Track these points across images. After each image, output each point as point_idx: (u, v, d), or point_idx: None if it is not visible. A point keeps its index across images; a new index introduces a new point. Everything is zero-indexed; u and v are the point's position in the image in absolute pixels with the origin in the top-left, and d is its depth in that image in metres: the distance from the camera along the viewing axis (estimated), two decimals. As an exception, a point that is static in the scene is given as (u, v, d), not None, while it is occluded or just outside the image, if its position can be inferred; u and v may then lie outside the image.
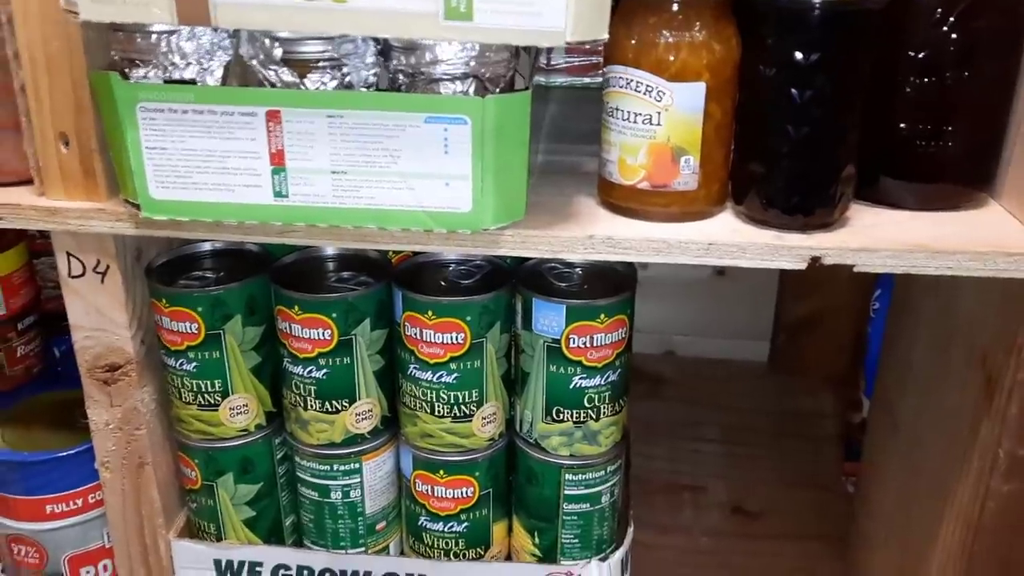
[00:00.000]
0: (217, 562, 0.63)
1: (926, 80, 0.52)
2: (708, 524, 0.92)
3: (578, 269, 0.61)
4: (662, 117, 0.50)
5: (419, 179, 0.50)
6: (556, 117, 0.76)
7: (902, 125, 0.53)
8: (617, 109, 0.51)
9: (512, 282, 0.58)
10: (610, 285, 0.58)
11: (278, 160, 0.50)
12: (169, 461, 0.63)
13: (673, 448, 1.05)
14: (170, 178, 0.50)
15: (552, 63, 0.84)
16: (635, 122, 0.51)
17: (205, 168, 0.50)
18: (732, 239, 0.51)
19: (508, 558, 0.65)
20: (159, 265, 0.59)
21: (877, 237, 0.51)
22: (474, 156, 0.49)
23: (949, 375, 0.61)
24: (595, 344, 0.56)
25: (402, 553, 0.65)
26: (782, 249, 0.51)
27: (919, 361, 0.68)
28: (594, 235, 0.51)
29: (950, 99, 0.52)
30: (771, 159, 0.51)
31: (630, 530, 0.65)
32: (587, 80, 0.86)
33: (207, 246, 0.62)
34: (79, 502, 0.65)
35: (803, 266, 0.51)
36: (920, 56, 0.52)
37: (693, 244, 0.51)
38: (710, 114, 0.51)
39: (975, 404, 0.57)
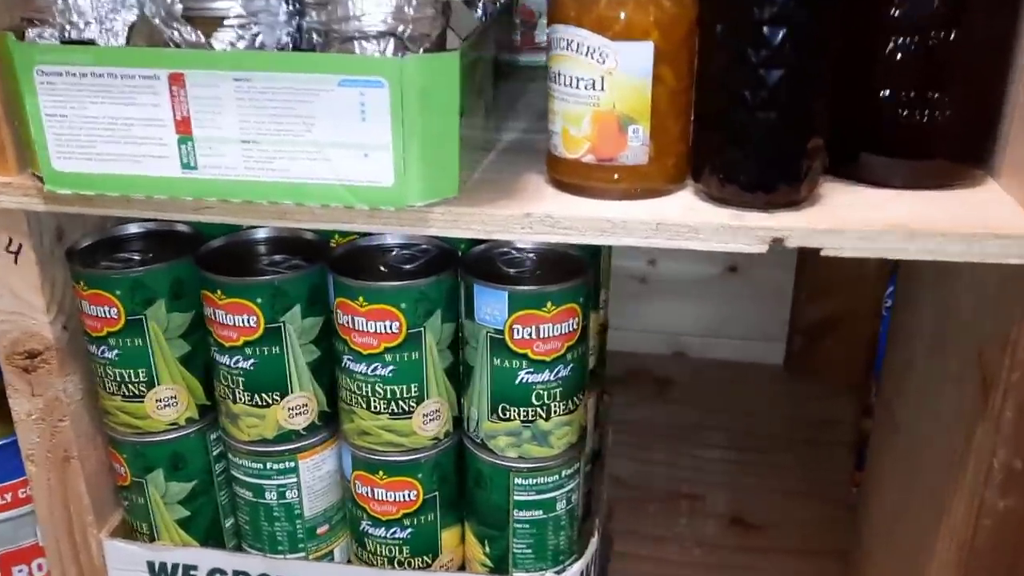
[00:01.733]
0: (150, 564, 0.59)
1: (909, 40, 0.46)
2: (704, 535, 0.86)
3: (531, 255, 0.56)
4: (606, 81, 0.45)
5: (335, 149, 0.45)
6: (534, 96, 0.71)
7: (883, 93, 0.47)
8: (559, 74, 0.47)
9: (457, 268, 0.53)
10: (562, 272, 0.53)
11: (184, 128, 0.46)
12: (100, 455, 0.59)
13: (674, 454, 0.99)
14: (72, 148, 0.47)
15: (536, 41, 0.79)
16: (577, 87, 0.46)
17: (109, 137, 0.47)
18: (684, 219, 0.46)
19: (462, 568, 0.60)
20: (83, 247, 0.56)
21: (849, 217, 0.45)
22: (394, 124, 0.44)
23: (947, 375, 0.55)
24: (542, 335, 0.51)
25: (349, 560, 0.61)
26: (740, 230, 0.45)
27: (919, 360, 0.61)
28: (531, 213, 0.47)
29: (937, 62, 0.46)
30: (728, 129, 0.45)
31: (594, 540, 0.60)
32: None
33: (136, 228, 0.58)
34: (8, 496, 0.62)
35: (763, 248, 0.45)
36: (901, 12, 0.46)
37: (640, 224, 0.46)
38: (661, 78, 0.46)
39: (971, 407, 0.50)
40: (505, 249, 0.56)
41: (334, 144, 0.45)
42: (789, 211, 0.46)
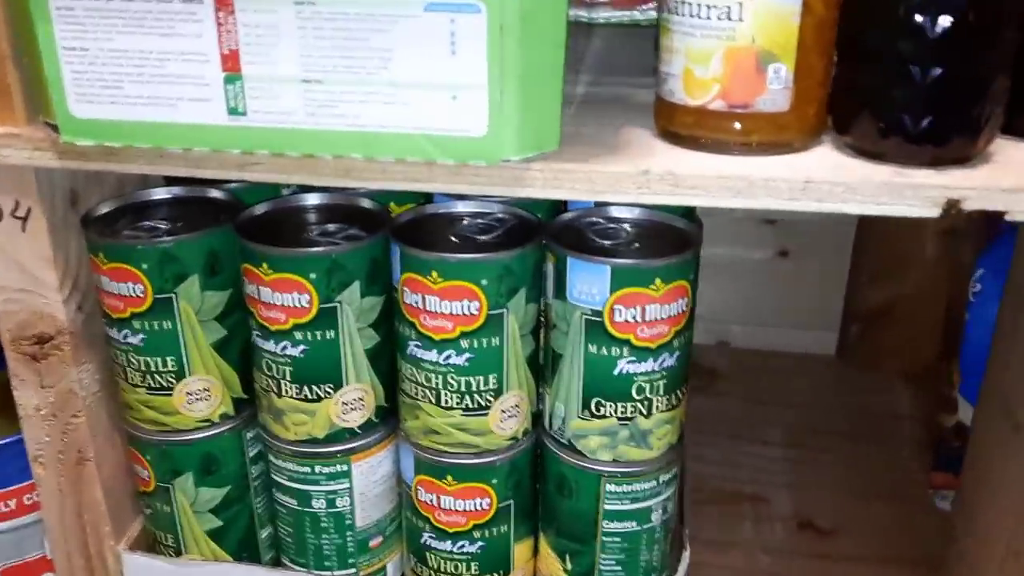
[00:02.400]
0: (176, 581, 0.51)
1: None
2: (772, 541, 0.79)
3: (626, 225, 0.48)
4: (745, 9, 0.37)
5: (417, 90, 0.37)
6: (600, 52, 0.63)
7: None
8: (683, 2, 0.39)
9: (542, 239, 0.45)
10: (668, 245, 0.45)
11: (232, 64, 0.38)
12: (118, 457, 0.51)
13: (729, 452, 0.92)
14: (94, 89, 0.39)
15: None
16: (708, 17, 0.38)
17: (139, 76, 0.38)
18: (837, 176, 0.38)
19: (534, 585, 0.53)
20: (102, 214, 0.47)
21: (1039, 175, 0.37)
22: (491, 58, 0.36)
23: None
24: (647, 318, 0.44)
25: None
26: (906, 189, 0.37)
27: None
28: (650, 170, 0.39)
29: None
30: (891, 69, 0.38)
31: (686, 554, 0.52)
32: (636, 15, 0.72)
33: (163, 192, 0.50)
34: (11, 503, 0.54)
35: (935, 212, 0.38)
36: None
37: (784, 183, 0.38)
38: (809, 7, 0.38)
39: None
40: (595, 218, 0.48)
41: (416, 84, 0.37)
42: (960, 169, 0.38)
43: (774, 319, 1.10)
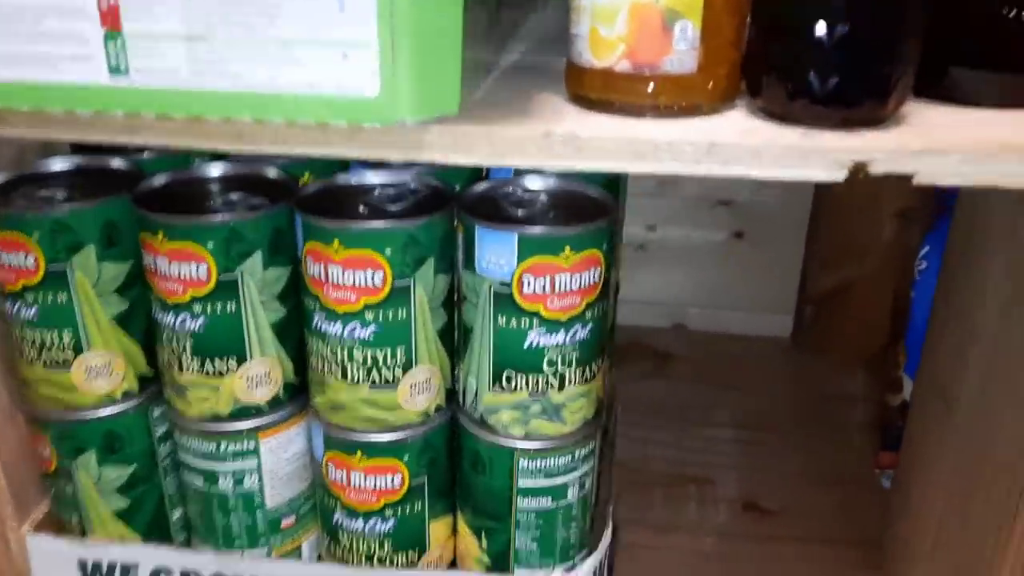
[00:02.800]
0: (82, 563, 0.49)
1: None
2: (715, 523, 0.78)
3: (543, 195, 0.46)
4: (647, -35, 0.36)
5: (306, 48, 0.36)
6: (538, 22, 0.61)
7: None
8: (586, -41, 0.37)
9: (453, 208, 0.44)
10: (583, 214, 0.44)
11: (112, 21, 0.36)
12: (20, 436, 0.49)
13: (678, 434, 0.91)
14: (-35, 46, 0.37)
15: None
16: (610, -27, 0.37)
17: (14, 32, 0.37)
18: (743, 139, 0.37)
19: (452, 565, 0.52)
20: (-4, 182, 0.46)
21: (948, 138, 0.36)
22: (381, 14, 0.35)
23: (1030, 340, 0.47)
24: (557, 288, 0.42)
25: (320, 557, 0.52)
26: (813, 153, 0.36)
27: (984, 328, 0.53)
28: (552, 132, 0.37)
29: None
30: (797, 29, 0.36)
31: (607, 531, 0.51)
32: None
33: (62, 164, 0.48)
34: (-91, 484, 0.52)
35: (842, 175, 0.36)
36: None
37: (688, 146, 0.37)
38: (715, -37, 0.36)
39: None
40: (511, 188, 0.47)
41: (304, 41, 0.36)
42: (871, 131, 0.37)
43: (730, 302, 1.10)
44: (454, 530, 0.51)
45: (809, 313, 1.06)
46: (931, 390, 0.62)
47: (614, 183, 0.50)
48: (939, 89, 0.40)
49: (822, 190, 1.01)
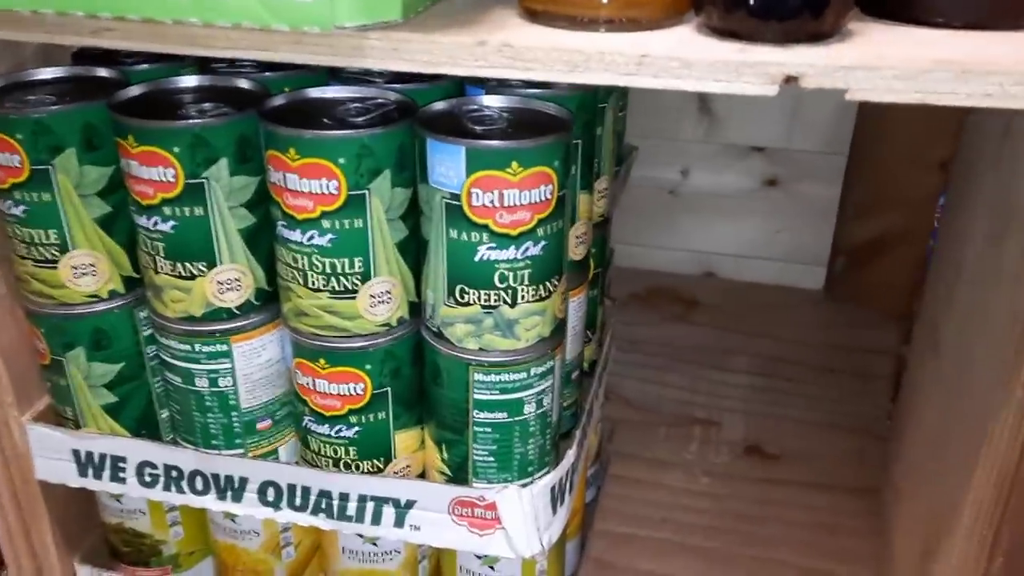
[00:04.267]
0: (75, 452, 0.53)
1: None
2: (713, 463, 0.78)
3: (505, 113, 0.47)
4: None
5: (248, -47, 0.37)
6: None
7: None
8: None
9: (410, 121, 0.45)
10: (534, 130, 0.44)
11: (70, -75, 0.38)
12: (20, 328, 0.53)
13: (692, 378, 0.91)
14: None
15: None
16: None
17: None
18: (674, 51, 0.36)
19: (423, 476, 0.53)
20: (-9, 88, 0.49)
21: (886, 53, 0.35)
22: (317, -81, 0.36)
23: (1001, 274, 0.45)
24: (506, 203, 0.43)
25: (297, 463, 0.54)
26: (743, 66, 0.36)
27: (968, 264, 0.52)
28: (486, 41, 0.38)
29: None
30: (738, -63, 0.36)
31: (569, 453, 0.52)
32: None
33: (55, 72, 0.51)
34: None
35: (773, 89, 0.36)
36: None
37: (619, 56, 0.37)
38: None
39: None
40: (474, 106, 0.47)
41: (245, -55, 0.37)
42: (807, 46, 0.36)
43: (762, 251, 1.08)
44: (422, 443, 0.53)
45: (842, 264, 1.03)
46: (924, 333, 0.60)
47: (589, 104, 0.50)
48: (885, 7, 0.39)
49: (859, 138, 0.97)
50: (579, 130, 0.49)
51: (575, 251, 0.53)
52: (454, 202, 0.43)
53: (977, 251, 0.50)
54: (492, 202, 0.43)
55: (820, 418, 0.84)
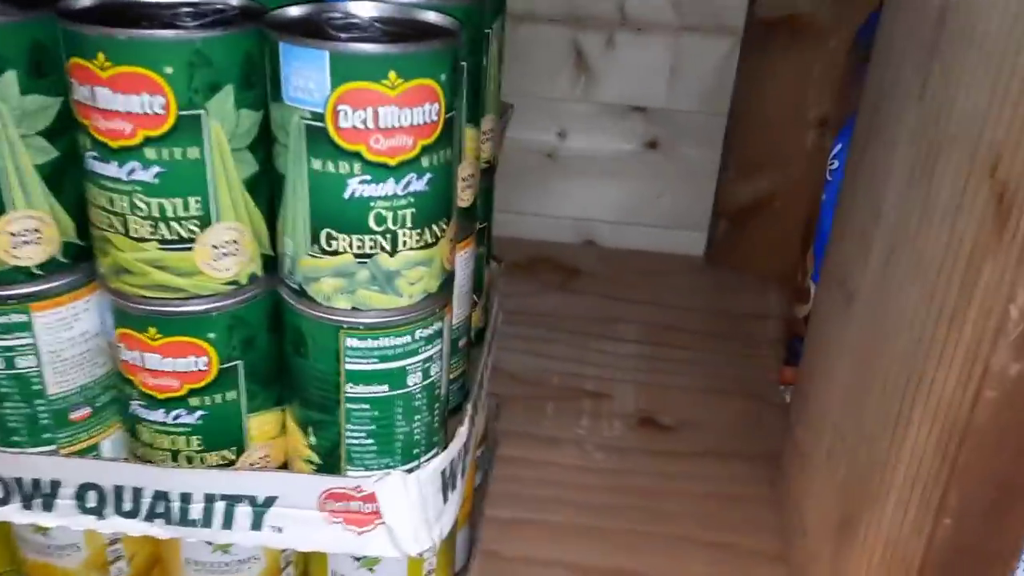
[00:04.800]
0: None
1: None
2: (607, 437, 0.73)
3: (377, 23, 0.39)
4: None
5: None
6: None
7: None
8: None
9: (256, 25, 0.36)
10: (415, 36, 0.36)
11: None
12: None
13: (579, 349, 0.85)
14: None
15: None
16: None
17: None
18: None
19: (286, 467, 0.45)
20: None
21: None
22: None
23: (936, 208, 0.41)
24: (382, 124, 0.35)
25: (126, 459, 0.44)
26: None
27: (888, 206, 0.47)
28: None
29: None
30: None
31: (461, 431, 0.45)
32: None
33: None
34: None
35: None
36: None
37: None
38: None
39: (976, 239, 0.36)
40: (338, 13, 0.39)
41: None
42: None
43: (643, 217, 1.04)
44: (283, 428, 0.44)
45: (723, 228, 1.01)
46: (832, 283, 0.56)
47: (475, 19, 0.43)
48: None
49: (739, 97, 0.94)
50: (465, 50, 0.41)
51: (462, 195, 0.46)
52: (316, 123, 0.35)
53: (899, 191, 0.46)
54: (365, 122, 0.35)
55: (711, 385, 0.80)
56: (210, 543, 0.45)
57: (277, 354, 0.42)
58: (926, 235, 0.42)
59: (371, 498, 0.41)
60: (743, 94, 0.93)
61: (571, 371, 0.81)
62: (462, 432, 0.45)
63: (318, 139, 0.35)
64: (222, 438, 0.42)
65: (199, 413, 0.41)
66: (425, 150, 0.36)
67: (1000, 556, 0.41)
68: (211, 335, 0.39)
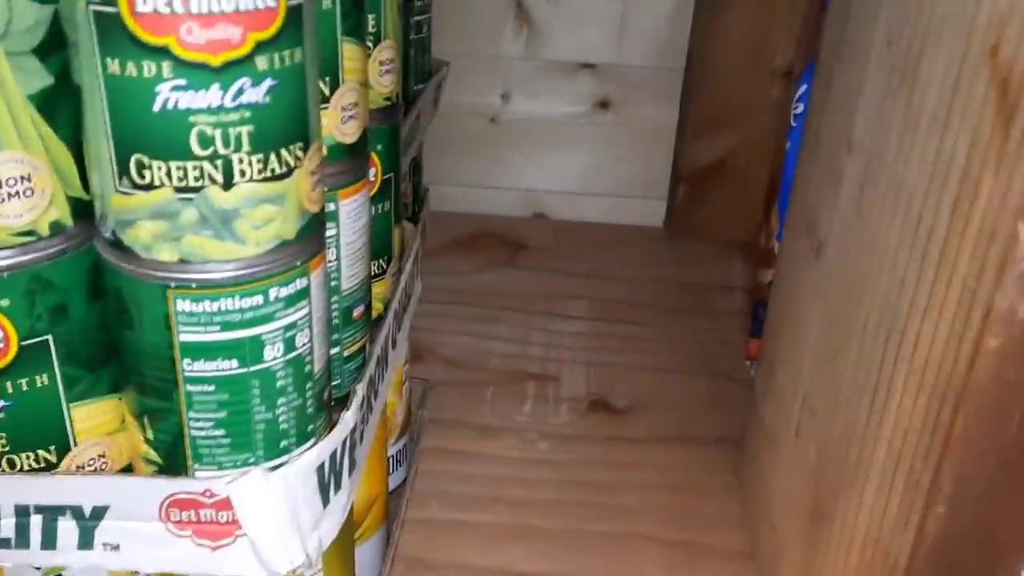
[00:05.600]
0: None
1: None
2: (554, 424, 0.65)
3: None
4: None
5: None
6: None
7: None
8: None
9: None
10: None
11: None
12: None
13: (524, 327, 0.77)
14: None
15: None
16: None
17: None
18: None
19: (130, 470, 0.36)
20: None
21: None
22: None
23: (922, 112, 0.33)
24: (195, 7, 0.26)
25: (-73, 462, 0.35)
26: None
27: (867, 120, 0.39)
28: None
29: None
30: None
31: (347, 416, 0.36)
32: None
33: None
34: None
35: None
36: None
37: None
38: None
39: (971, 146, 0.28)
40: None
41: None
42: None
43: (596, 186, 0.96)
44: (122, 421, 0.35)
45: (683, 193, 0.93)
46: (798, 235, 0.49)
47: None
48: None
49: (695, 49, 0.87)
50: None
51: (343, 129, 0.37)
52: (107, 8, 0.26)
53: (873, 111, 0.38)
54: (171, 6, 0.26)
55: (669, 363, 0.73)
56: (37, 567, 0.36)
57: (102, 326, 0.33)
58: (908, 156, 0.34)
59: (226, 504, 0.33)
60: (699, 45, 0.85)
61: (514, 352, 0.73)
62: (347, 418, 0.36)
63: (111, 30, 0.26)
64: (35, 435, 0.33)
65: (5, 403, 0.32)
66: (261, 47, 0.28)
67: (1005, 550, 0.33)
68: (5, 303, 0.30)
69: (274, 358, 0.32)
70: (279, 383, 0.33)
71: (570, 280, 0.85)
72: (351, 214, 0.40)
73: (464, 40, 0.87)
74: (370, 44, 0.42)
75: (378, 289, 0.47)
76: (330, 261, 0.40)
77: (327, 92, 0.37)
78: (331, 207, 0.39)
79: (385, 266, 0.47)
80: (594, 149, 0.93)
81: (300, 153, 0.30)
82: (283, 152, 0.30)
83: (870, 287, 0.37)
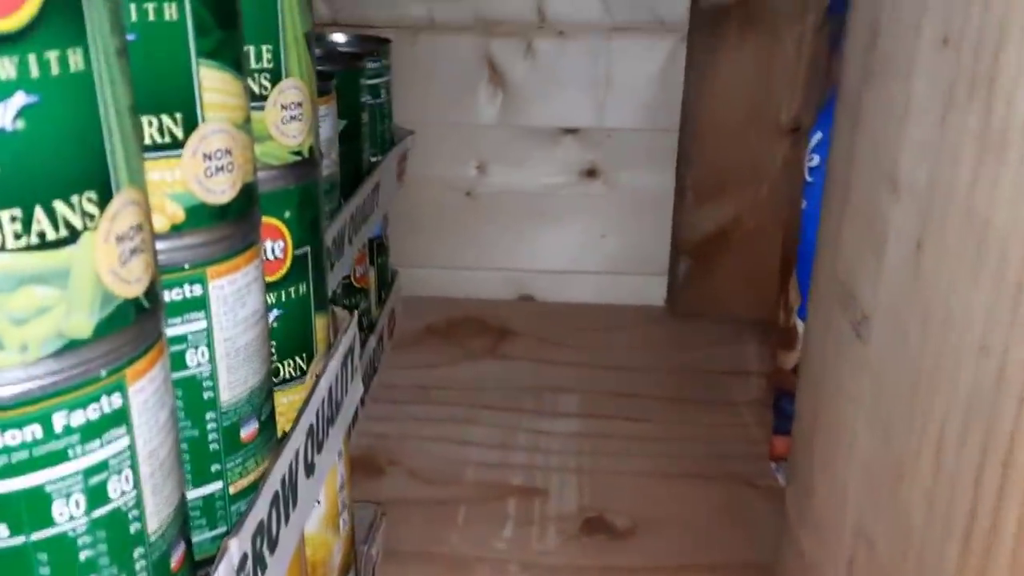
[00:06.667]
0: None
1: None
2: (541, 551, 0.53)
3: None
4: None
5: None
6: None
7: None
8: None
9: None
10: None
11: None
12: None
13: (506, 430, 0.66)
14: None
15: None
16: None
17: None
18: None
19: None
20: None
21: None
22: None
23: (1009, 122, 0.23)
24: None
25: None
26: None
27: (919, 151, 0.29)
28: None
29: None
30: None
31: (231, 549, 0.25)
32: None
33: None
34: None
35: None
36: None
37: None
38: None
39: None
40: None
41: None
42: None
43: (587, 263, 0.86)
44: None
45: (684, 268, 0.82)
46: (829, 311, 0.38)
47: None
48: None
49: (690, 106, 0.78)
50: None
51: (207, 184, 0.27)
52: None
53: (926, 140, 0.28)
54: None
55: (679, 469, 0.61)
56: None
57: None
58: (992, 188, 0.23)
59: None
60: (694, 102, 0.76)
61: (493, 460, 0.62)
62: (234, 547, 0.25)
63: None
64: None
65: None
66: (3, 44, 0.18)
67: None
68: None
69: (71, 518, 0.21)
70: (83, 555, 0.22)
71: (560, 371, 0.74)
72: (229, 299, 0.29)
73: (433, 106, 0.79)
74: (265, 81, 0.33)
75: (293, 397, 0.37)
76: (199, 365, 0.29)
77: (179, 133, 0.27)
78: (197, 290, 0.28)
79: (304, 366, 0.37)
80: (582, 222, 0.83)
81: (92, 208, 0.20)
82: (57, 206, 0.19)
83: (946, 377, 0.26)
